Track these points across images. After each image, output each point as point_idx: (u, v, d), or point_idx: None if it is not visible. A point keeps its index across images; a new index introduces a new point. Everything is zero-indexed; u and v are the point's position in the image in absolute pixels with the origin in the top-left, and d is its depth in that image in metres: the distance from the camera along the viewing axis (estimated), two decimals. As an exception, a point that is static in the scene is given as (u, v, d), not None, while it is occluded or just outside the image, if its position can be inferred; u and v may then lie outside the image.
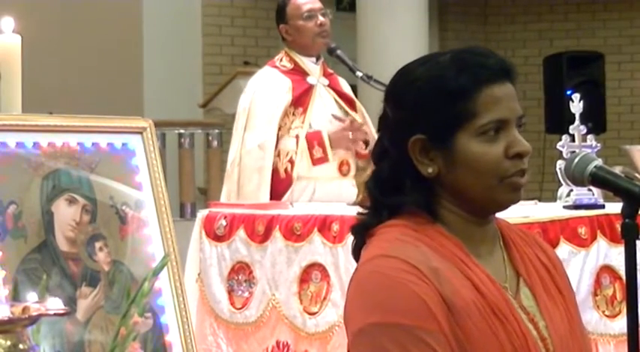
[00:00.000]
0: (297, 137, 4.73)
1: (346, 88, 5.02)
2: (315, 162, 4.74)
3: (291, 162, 4.72)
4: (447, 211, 1.90)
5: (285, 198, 4.66)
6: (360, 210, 1.98)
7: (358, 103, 4.99)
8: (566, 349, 1.92)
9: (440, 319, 1.77)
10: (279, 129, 4.74)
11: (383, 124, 1.96)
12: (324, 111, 4.83)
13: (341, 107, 4.89)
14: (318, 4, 4.88)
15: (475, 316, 1.81)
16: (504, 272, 1.93)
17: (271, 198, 4.66)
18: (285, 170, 4.72)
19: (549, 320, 1.92)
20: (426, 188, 1.89)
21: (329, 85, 4.92)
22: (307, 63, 4.89)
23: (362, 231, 1.94)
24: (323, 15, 4.84)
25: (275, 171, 4.71)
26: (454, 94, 1.84)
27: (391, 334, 1.76)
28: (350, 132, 4.74)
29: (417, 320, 1.76)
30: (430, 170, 1.87)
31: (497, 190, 1.87)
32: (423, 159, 1.88)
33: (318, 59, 4.92)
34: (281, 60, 4.91)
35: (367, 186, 1.96)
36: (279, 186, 4.72)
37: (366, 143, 4.78)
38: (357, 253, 1.97)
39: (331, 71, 5.00)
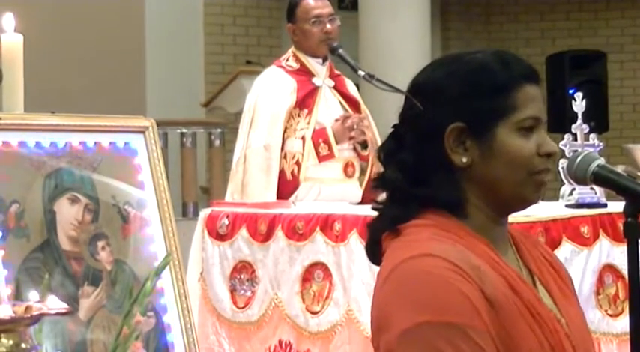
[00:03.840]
0: (303, 138, 4.74)
1: (352, 90, 5.02)
2: (322, 159, 4.74)
3: (298, 164, 4.73)
4: (472, 207, 1.90)
5: (291, 199, 4.66)
6: (375, 205, 1.97)
7: (363, 105, 4.99)
8: (585, 345, 1.94)
9: (485, 318, 1.77)
10: (285, 130, 4.75)
11: (408, 117, 1.95)
12: (328, 113, 4.83)
13: (346, 109, 4.89)
14: (328, 9, 4.87)
15: (516, 314, 1.82)
16: (520, 271, 1.95)
17: (278, 200, 4.66)
18: (292, 172, 4.73)
19: (568, 318, 1.94)
20: (454, 182, 1.90)
21: (334, 87, 4.92)
22: (314, 64, 4.89)
23: (389, 225, 1.92)
24: (331, 21, 4.84)
25: (281, 173, 4.72)
26: (500, 86, 1.89)
27: (443, 333, 1.75)
28: (353, 123, 4.75)
29: (465, 318, 1.76)
30: (464, 159, 1.88)
31: (525, 185, 1.90)
32: (457, 148, 1.89)
33: (324, 60, 4.92)
34: (287, 60, 4.91)
35: (386, 180, 1.94)
36: (286, 188, 4.72)
37: (365, 145, 4.79)
38: (373, 250, 1.95)
39: (338, 72, 5.00)
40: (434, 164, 1.90)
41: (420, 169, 1.91)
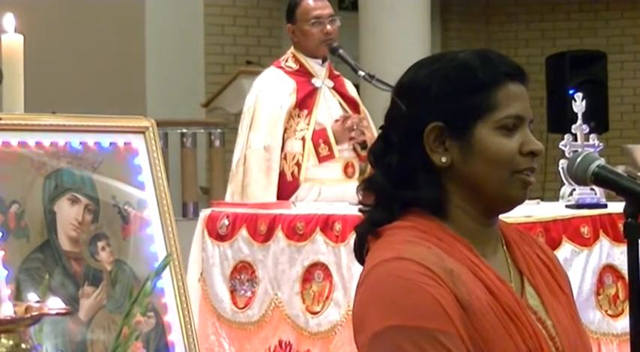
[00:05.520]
0: (303, 139, 4.74)
1: (351, 91, 5.02)
2: (322, 159, 4.74)
3: (298, 165, 4.73)
4: (456, 208, 1.89)
5: (291, 200, 4.66)
6: (362, 207, 1.97)
7: (362, 106, 5.00)
8: (574, 347, 1.92)
9: (456, 322, 1.76)
10: (285, 131, 4.75)
11: (392, 118, 1.94)
12: (328, 114, 4.84)
13: (345, 110, 4.89)
14: (328, 10, 4.87)
15: (491, 317, 1.81)
16: (508, 272, 1.93)
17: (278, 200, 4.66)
18: (292, 173, 4.73)
19: (556, 319, 1.92)
20: (437, 183, 1.89)
21: (334, 88, 4.92)
22: (313, 64, 4.89)
23: (371, 228, 1.92)
24: (331, 22, 4.84)
25: (282, 174, 4.72)
26: (480, 84, 1.87)
27: (410, 337, 1.74)
28: (352, 123, 4.75)
29: (435, 323, 1.75)
30: (444, 159, 1.87)
31: (509, 184, 1.88)
32: (437, 148, 1.88)
33: (324, 61, 4.92)
34: (286, 60, 4.91)
35: (372, 182, 1.94)
36: (286, 189, 4.72)
37: (364, 145, 4.79)
38: (360, 252, 1.96)
39: (337, 73, 5.00)
40: (417, 165, 1.89)
41: (404, 170, 1.90)
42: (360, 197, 1.97)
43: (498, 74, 1.88)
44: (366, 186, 1.96)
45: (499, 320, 1.81)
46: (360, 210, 1.98)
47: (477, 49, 1.95)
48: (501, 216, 1.98)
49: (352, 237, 3.89)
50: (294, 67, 4.89)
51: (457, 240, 1.87)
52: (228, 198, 4.84)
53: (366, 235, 1.94)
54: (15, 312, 2.32)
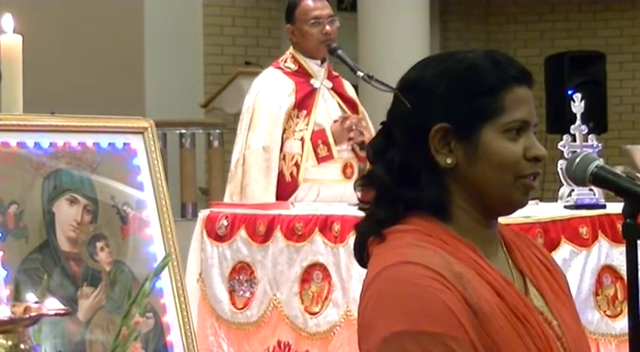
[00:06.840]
0: (302, 139, 4.74)
1: (350, 91, 5.03)
2: (320, 160, 4.74)
3: (297, 165, 4.73)
4: (458, 209, 1.87)
5: (290, 201, 4.66)
6: (363, 205, 1.94)
7: (361, 107, 5.00)
8: (579, 347, 1.92)
9: (466, 326, 1.74)
10: (284, 131, 4.75)
11: (396, 115, 1.92)
12: (327, 114, 4.84)
13: (344, 111, 4.90)
14: (327, 11, 4.87)
15: (501, 320, 1.79)
16: (510, 273, 1.92)
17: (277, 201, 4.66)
18: (291, 174, 4.73)
19: (561, 319, 1.91)
20: (440, 183, 1.87)
21: (333, 88, 4.92)
22: (312, 65, 4.89)
23: (374, 227, 1.89)
24: (330, 22, 4.84)
25: (280, 175, 4.73)
26: (488, 86, 1.85)
27: (419, 342, 1.72)
28: (351, 124, 4.75)
29: (444, 327, 1.72)
30: (449, 161, 1.86)
31: (512, 189, 1.87)
32: (442, 149, 1.86)
33: (323, 62, 4.92)
34: (285, 61, 4.91)
35: (373, 178, 1.91)
36: (285, 189, 4.72)
37: (363, 146, 4.79)
38: (360, 253, 1.93)
39: (336, 74, 5.00)
40: (420, 164, 1.87)
41: (406, 169, 1.88)
42: (359, 193, 1.94)
43: (507, 77, 1.87)
44: (366, 181, 1.93)
45: (509, 322, 1.80)
46: (360, 208, 1.95)
47: (486, 50, 1.93)
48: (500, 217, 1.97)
49: (351, 238, 3.89)
50: (293, 67, 4.89)
51: (461, 242, 1.86)
52: (227, 199, 4.84)
53: (368, 234, 1.91)
54: (14, 313, 2.32)
